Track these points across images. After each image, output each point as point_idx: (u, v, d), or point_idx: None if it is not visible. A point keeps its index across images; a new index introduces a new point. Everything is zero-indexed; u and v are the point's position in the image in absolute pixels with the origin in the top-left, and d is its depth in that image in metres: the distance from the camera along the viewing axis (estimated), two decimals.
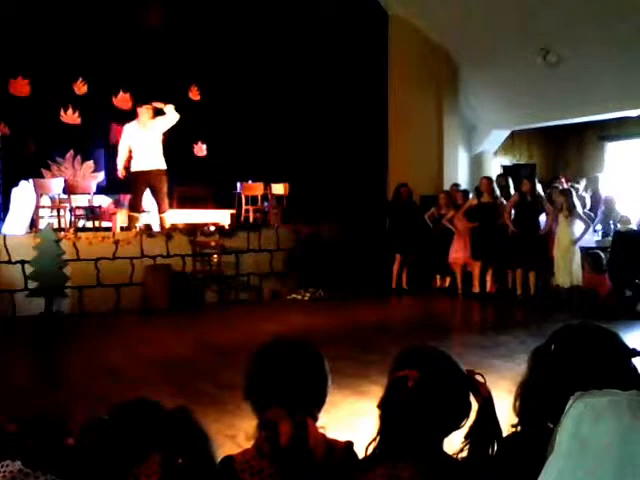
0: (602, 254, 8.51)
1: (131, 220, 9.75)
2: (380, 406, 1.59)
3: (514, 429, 1.62)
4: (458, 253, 9.77)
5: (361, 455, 1.65)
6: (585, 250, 9.05)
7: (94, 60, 11.08)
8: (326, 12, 11.41)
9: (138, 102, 10.04)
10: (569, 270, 8.84)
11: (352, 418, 4.02)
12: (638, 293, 8.35)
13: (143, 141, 9.58)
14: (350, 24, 11.33)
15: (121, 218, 10.07)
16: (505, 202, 9.63)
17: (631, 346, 1.56)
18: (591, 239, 9.31)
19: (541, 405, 1.56)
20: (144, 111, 9.65)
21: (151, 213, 10.09)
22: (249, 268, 10.02)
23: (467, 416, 1.58)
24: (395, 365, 1.63)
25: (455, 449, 1.60)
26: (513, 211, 9.46)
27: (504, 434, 1.62)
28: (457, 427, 1.58)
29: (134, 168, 9.59)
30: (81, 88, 11.46)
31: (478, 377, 1.59)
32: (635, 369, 1.50)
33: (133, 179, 9.67)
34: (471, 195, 10.26)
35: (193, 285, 9.49)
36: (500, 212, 9.57)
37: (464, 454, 1.58)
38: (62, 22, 10.87)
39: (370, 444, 1.61)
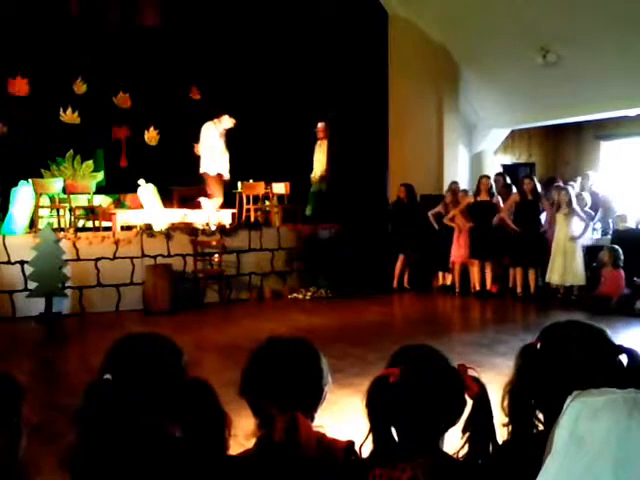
0: (620, 249, 8.49)
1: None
2: (367, 405, 1.58)
3: (505, 428, 1.62)
4: (460, 250, 9.77)
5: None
6: (585, 249, 9.06)
7: (94, 60, 11.09)
8: (326, 12, 11.42)
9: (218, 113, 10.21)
10: (569, 269, 8.82)
11: (353, 417, 4.01)
12: (637, 292, 8.36)
13: (223, 147, 10.07)
14: (350, 24, 11.33)
15: (153, 218, 10.02)
16: (501, 200, 9.64)
17: (618, 343, 1.55)
18: (585, 239, 9.25)
19: (529, 403, 1.56)
20: (230, 123, 10.01)
21: (152, 213, 10.10)
22: (250, 267, 10.02)
23: (461, 413, 1.56)
24: (388, 365, 1.63)
25: (456, 448, 1.59)
26: (513, 210, 9.47)
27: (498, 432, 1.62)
28: (452, 424, 1.57)
29: (224, 172, 10.11)
30: (80, 87, 11.46)
31: (471, 372, 1.57)
32: (622, 366, 1.49)
33: (222, 181, 10.19)
34: (470, 193, 10.26)
35: (194, 285, 9.50)
36: (497, 210, 9.57)
37: (464, 452, 1.57)
38: (62, 22, 10.88)
39: (362, 444, 1.60)
